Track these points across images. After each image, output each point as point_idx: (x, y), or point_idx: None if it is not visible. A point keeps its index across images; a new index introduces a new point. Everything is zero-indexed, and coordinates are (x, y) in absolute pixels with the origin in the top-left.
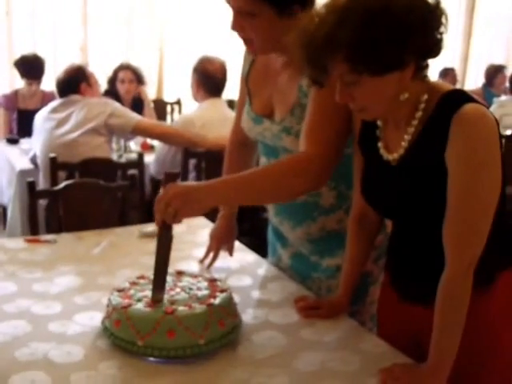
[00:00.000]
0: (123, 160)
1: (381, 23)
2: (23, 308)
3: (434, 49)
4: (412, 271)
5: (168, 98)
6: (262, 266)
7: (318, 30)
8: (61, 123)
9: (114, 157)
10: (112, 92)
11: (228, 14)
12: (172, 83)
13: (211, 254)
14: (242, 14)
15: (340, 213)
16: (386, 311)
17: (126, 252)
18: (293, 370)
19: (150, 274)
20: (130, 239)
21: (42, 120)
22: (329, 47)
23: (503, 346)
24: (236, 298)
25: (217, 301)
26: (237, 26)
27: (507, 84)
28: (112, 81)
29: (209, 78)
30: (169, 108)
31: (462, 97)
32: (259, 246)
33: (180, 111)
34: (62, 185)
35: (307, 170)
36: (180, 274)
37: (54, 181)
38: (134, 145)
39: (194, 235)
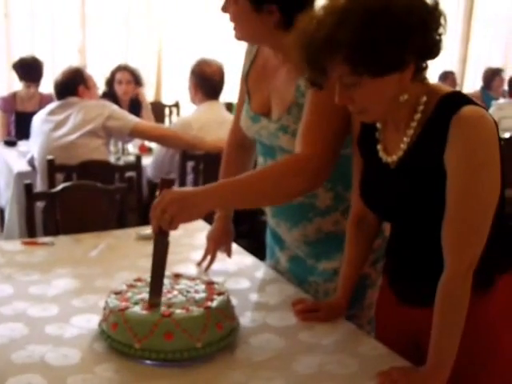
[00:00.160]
0: (121, 162)
1: (380, 24)
2: (20, 310)
3: (434, 49)
4: (411, 273)
5: (166, 100)
6: (259, 269)
7: (317, 32)
8: (59, 125)
9: (112, 159)
10: (110, 94)
11: (226, 16)
12: (170, 86)
13: (209, 257)
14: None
15: (336, 214)
16: (384, 313)
17: (123, 254)
18: (291, 373)
19: (148, 276)
20: (127, 241)
21: (39, 122)
22: (328, 48)
23: (503, 348)
24: (234, 301)
25: (214, 304)
26: (223, 9)
27: (505, 87)
28: (110, 82)
29: (206, 81)
30: (167, 110)
31: (461, 99)
32: (257, 249)
33: (178, 114)
34: (59, 187)
35: (305, 169)
36: (177, 276)
37: (52, 183)
38: (132, 147)
39: (191, 238)
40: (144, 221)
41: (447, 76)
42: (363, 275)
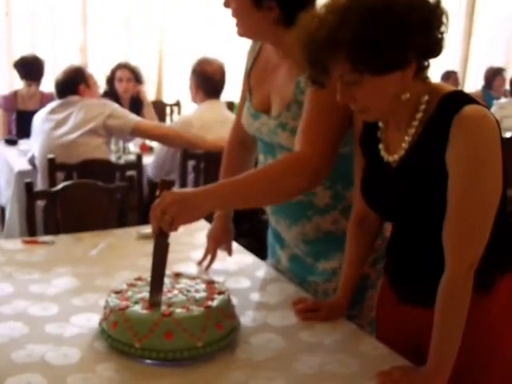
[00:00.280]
0: (122, 161)
1: (382, 22)
2: (20, 309)
3: (435, 48)
4: (411, 273)
5: (167, 99)
6: (260, 268)
7: (318, 30)
8: (59, 124)
9: (113, 158)
10: (111, 93)
11: (227, 15)
12: (171, 85)
13: (209, 256)
14: None
15: (335, 213)
16: (385, 313)
17: (124, 253)
18: (291, 373)
19: (148, 275)
20: (128, 241)
21: (40, 121)
22: (330, 47)
23: (504, 349)
24: (234, 300)
25: (215, 303)
26: (225, 4)
27: (507, 86)
28: (110, 80)
29: (207, 80)
30: (168, 109)
31: (463, 98)
32: (258, 248)
33: (179, 113)
34: (60, 186)
35: (305, 168)
36: (178, 275)
37: (53, 182)
38: (133, 146)
39: (192, 237)
40: (145, 220)
41: (449, 75)
42: (363, 276)
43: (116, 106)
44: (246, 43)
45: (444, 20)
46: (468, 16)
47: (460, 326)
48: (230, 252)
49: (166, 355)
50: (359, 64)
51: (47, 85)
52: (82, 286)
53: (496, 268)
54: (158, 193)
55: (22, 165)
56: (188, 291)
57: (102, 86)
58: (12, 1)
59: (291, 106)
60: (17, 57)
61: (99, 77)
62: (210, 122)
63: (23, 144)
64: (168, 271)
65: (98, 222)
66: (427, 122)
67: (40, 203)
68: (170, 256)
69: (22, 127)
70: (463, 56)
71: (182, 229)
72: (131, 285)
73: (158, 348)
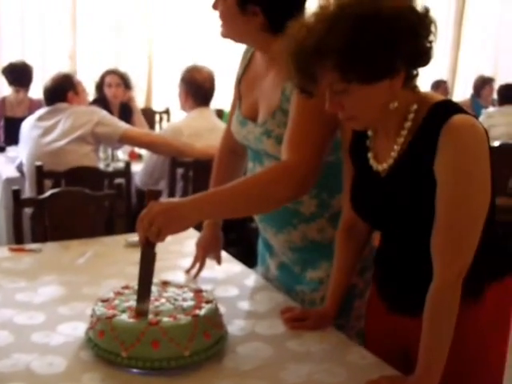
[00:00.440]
0: (110, 169)
1: (370, 29)
2: (6, 318)
3: (424, 57)
4: (400, 282)
5: (157, 107)
6: (248, 277)
7: (307, 39)
8: (47, 131)
9: (101, 166)
10: (100, 99)
11: (217, 22)
12: (161, 92)
13: (198, 264)
14: None
15: (322, 221)
16: (373, 322)
17: (111, 261)
18: (279, 382)
19: (135, 284)
20: (115, 249)
21: (28, 128)
22: (318, 55)
23: (492, 357)
24: (222, 309)
25: (202, 312)
26: (213, 6)
27: (495, 96)
28: (100, 86)
29: (197, 88)
30: (157, 117)
31: (452, 108)
32: (247, 257)
33: (168, 120)
34: (47, 193)
35: (292, 176)
36: (165, 284)
37: (40, 189)
38: (122, 154)
39: (180, 245)
40: (132, 228)
41: (439, 85)
42: (350, 284)
43: (104, 113)
44: (236, 51)
45: (433, 29)
46: (457, 25)
47: (448, 334)
48: (219, 260)
49: (152, 364)
50: (348, 72)
51: (36, 91)
52: (68, 295)
53: (484, 276)
54: (146, 203)
55: (10, 172)
56: (175, 300)
57: (91, 93)
58: (1, 7)
59: (276, 114)
60: (5, 63)
61: (88, 84)
62: (200, 130)
63: (11, 151)
64: (156, 279)
65: (86, 229)
66: (416, 131)
67: (27, 211)
68: (158, 264)
69: (10, 134)
70: (452, 65)
71: (170, 237)
72: (118, 293)
73: (144, 357)
